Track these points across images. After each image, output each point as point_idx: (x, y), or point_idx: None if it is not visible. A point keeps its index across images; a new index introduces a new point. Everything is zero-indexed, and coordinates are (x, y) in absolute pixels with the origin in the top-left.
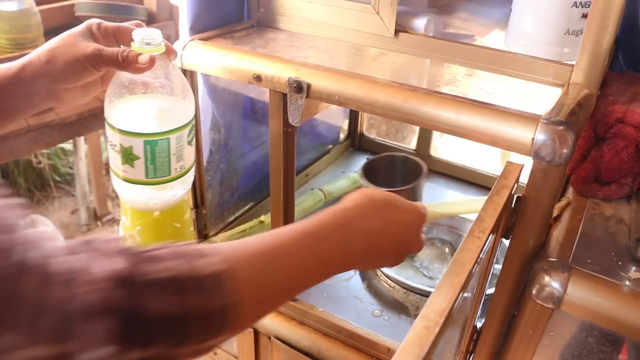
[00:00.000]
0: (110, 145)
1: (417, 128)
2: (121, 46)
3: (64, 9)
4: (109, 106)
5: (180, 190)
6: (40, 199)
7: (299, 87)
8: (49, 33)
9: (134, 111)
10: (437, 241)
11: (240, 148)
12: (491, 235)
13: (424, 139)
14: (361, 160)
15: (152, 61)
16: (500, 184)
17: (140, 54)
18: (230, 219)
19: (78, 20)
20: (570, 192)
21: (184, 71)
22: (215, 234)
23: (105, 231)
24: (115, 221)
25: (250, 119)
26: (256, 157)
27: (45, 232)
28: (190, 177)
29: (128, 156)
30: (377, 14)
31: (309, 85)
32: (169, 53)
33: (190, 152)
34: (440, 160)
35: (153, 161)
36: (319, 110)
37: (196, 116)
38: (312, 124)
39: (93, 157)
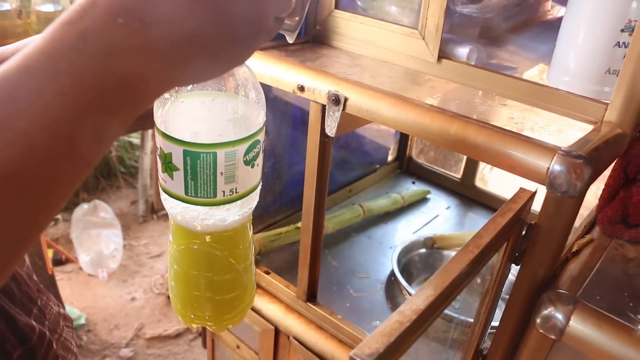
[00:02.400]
0: (156, 146)
1: (465, 158)
2: None
3: None
4: (158, 101)
5: (232, 214)
6: (105, 187)
7: (336, 99)
8: None
9: (180, 111)
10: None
11: (288, 157)
12: (494, 255)
13: (470, 169)
14: (406, 183)
15: None
16: (507, 207)
17: None
18: (269, 222)
19: None
20: (596, 231)
21: None
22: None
23: (159, 225)
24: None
25: (300, 131)
26: (303, 168)
27: (105, 218)
28: (249, 203)
29: (167, 164)
30: (423, 39)
31: (346, 99)
32: None
33: (248, 175)
34: (483, 192)
35: (194, 177)
36: (358, 125)
37: None
38: (361, 142)
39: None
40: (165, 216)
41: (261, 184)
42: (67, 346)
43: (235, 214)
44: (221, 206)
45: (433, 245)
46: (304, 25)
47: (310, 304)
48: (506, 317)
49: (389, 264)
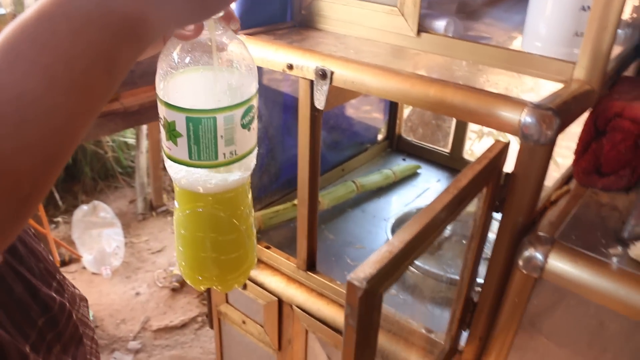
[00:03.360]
0: (159, 117)
1: (452, 133)
2: None
3: None
4: (158, 74)
5: (232, 175)
6: (103, 187)
7: (323, 74)
8: None
9: (180, 83)
10: (460, 237)
11: (282, 140)
12: (474, 199)
13: (458, 143)
14: (397, 160)
15: (197, 30)
16: (484, 156)
17: None
18: (267, 202)
19: None
20: (572, 183)
21: None
22: None
23: (158, 221)
24: (169, 212)
25: (292, 117)
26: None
27: (105, 217)
28: (248, 163)
29: (171, 132)
30: (402, 15)
31: (332, 73)
32: (228, 19)
33: (245, 137)
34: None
35: (197, 141)
36: (345, 99)
37: None
38: (351, 123)
39: (153, 151)
40: (165, 213)
41: (257, 148)
42: (84, 322)
43: (235, 175)
44: (222, 168)
45: None
46: (290, 10)
47: (310, 273)
48: (492, 264)
49: (384, 235)
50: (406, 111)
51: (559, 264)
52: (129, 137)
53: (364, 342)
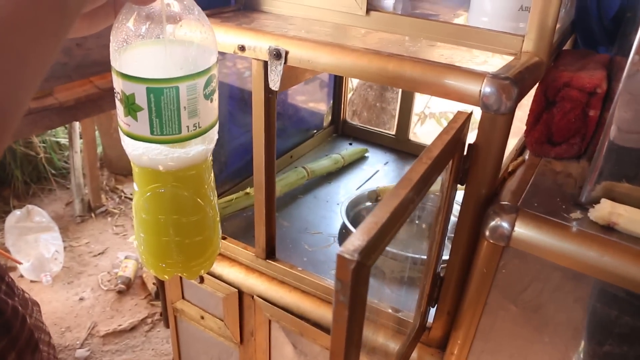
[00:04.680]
0: (115, 92)
1: (397, 115)
2: None
3: None
4: (113, 45)
5: (196, 148)
6: (36, 191)
7: (278, 54)
8: None
9: (139, 53)
10: (415, 219)
11: (229, 129)
12: (444, 173)
13: (403, 125)
14: (344, 145)
15: None
16: (449, 127)
17: None
18: (218, 192)
19: None
20: (526, 154)
21: None
22: None
23: (98, 222)
24: (108, 213)
25: (238, 107)
26: (243, 140)
27: (41, 222)
28: (210, 137)
29: (130, 106)
30: None
31: (286, 52)
32: None
33: (208, 108)
34: (418, 144)
35: (159, 114)
36: (298, 80)
37: None
38: (296, 109)
39: (88, 150)
40: (104, 213)
41: (218, 122)
42: (39, 326)
43: (197, 150)
44: (185, 143)
45: (377, 198)
46: None
47: (270, 261)
48: (457, 236)
49: (338, 219)
50: (349, 95)
51: (525, 231)
52: (61, 136)
53: (355, 318)
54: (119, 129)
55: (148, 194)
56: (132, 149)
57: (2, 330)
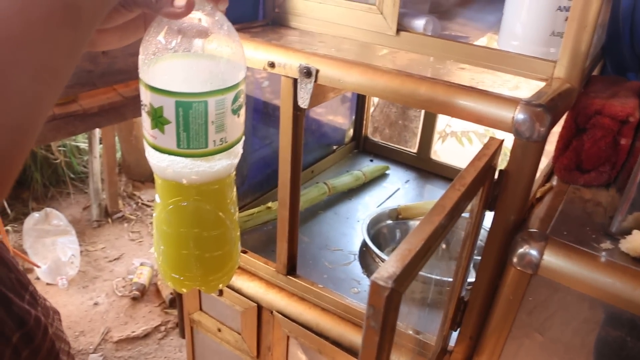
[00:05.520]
0: (142, 104)
1: (419, 133)
2: None
3: None
4: (142, 58)
5: (219, 164)
6: (55, 194)
7: (308, 72)
8: None
9: (168, 66)
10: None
11: (250, 143)
12: (474, 200)
13: (425, 143)
14: (365, 161)
15: (189, 6)
16: (482, 153)
17: None
18: (239, 205)
19: None
20: (554, 180)
21: None
22: None
23: (115, 228)
24: (125, 219)
25: (260, 120)
26: (265, 153)
27: (59, 225)
28: (236, 152)
29: (158, 119)
30: (381, 14)
31: (317, 71)
32: (217, 0)
33: (234, 124)
34: (440, 163)
35: (186, 128)
36: (326, 98)
37: None
38: (319, 124)
39: (107, 156)
40: (121, 219)
41: (244, 137)
42: (59, 336)
43: (222, 163)
44: (210, 157)
45: (398, 216)
46: (262, 8)
47: (290, 277)
48: (484, 262)
49: (358, 236)
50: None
51: (554, 260)
52: (80, 141)
53: (384, 344)
54: (144, 141)
55: (170, 206)
56: (157, 161)
57: (25, 340)
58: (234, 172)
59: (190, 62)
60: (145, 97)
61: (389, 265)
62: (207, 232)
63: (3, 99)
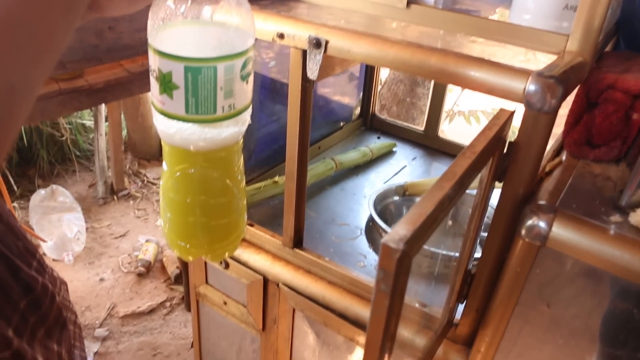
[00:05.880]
0: (150, 70)
1: (427, 110)
2: None
3: None
4: (151, 23)
5: (227, 130)
6: (61, 171)
7: (318, 43)
8: None
9: (177, 32)
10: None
11: (257, 118)
12: (483, 170)
13: (433, 121)
14: (372, 138)
15: None
16: (492, 123)
17: None
18: (246, 180)
19: None
20: (564, 154)
21: None
22: None
23: (120, 205)
24: (130, 196)
25: (267, 96)
26: (272, 129)
27: (65, 202)
28: (244, 119)
29: (166, 84)
30: None
31: (327, 42)
32: None
33: (243, 90)
34: (447, 141)
35: (195, 93)
36: (334, 71)
37: None
38: (326, 100)
39: (113, 134)
40: (127, 196)
41: (251, 104)
42: (66, 305)
43: (230, 131)
44: (218, 123)
45: (405, 193)
46: None
47: (297, 250)
48: (492, 234)
49: (364, 211)
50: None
51: (563, 232)
52: (86, 119)
53: (394, 309)
54: (152, 107)
55: (177, 173)
56: (165, 127)
57: (32, 306)
58: (242, 140)
59: (199, 28)
60: (154, 62)
61: (400, 228)
62: (213, 199)
63: None
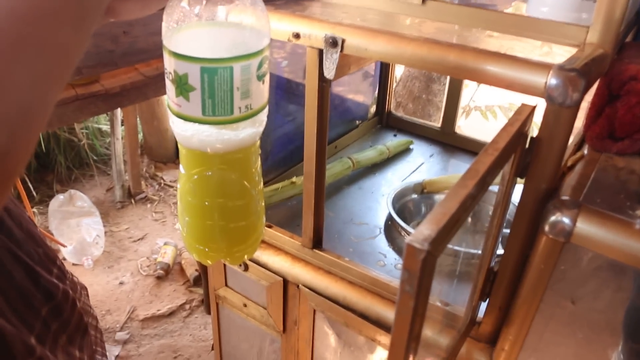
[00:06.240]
0: (166, 73)
1: (443, 107)
2: None
3: None
4: (166, 25)
5: (244, 132)
6: (78, 176)
7: (334, 42)
8: None
9: (193, 33)
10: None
11: (273, 119)
12: (505, 167)
13: (449, 118)
14: (388, 136)
15: None
16: (514, 119)
17: None
18: (263, 181)
19: None
20: (585, 148)
21: None
22: None
23: (138, 209)
24: (148, 200)
25: (283, 96)
26: (288, 129)
27: (83, 207)
28: (260, 119)
29: (182, 86)
30: None
31: (343, 40)
32: None
33: (259, 90)
34: (464, 137)
35: (212, 94)
36: (351, 69)
37: None
38: (342, 98)
39: (129, 137)
40: (144, 200)
41: (267, 105)
42: (87, 310)
43: (247, 131)
44: (235, 125)
45: (423, 190)
46: None
47: (316, 251)
48: (514, 231)
49: (383, 210)
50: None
51: (588, 227)
52: (102, 123)
53: (419, 309)
54: (168, 110)
55: (195, 176)
56: (182, 130)
57: (54, 313)
58: (259, 141)
59: (214, 29)
60: (170, 64)
61: (425, 227)
62: (231, 202)
63: (9, 76)
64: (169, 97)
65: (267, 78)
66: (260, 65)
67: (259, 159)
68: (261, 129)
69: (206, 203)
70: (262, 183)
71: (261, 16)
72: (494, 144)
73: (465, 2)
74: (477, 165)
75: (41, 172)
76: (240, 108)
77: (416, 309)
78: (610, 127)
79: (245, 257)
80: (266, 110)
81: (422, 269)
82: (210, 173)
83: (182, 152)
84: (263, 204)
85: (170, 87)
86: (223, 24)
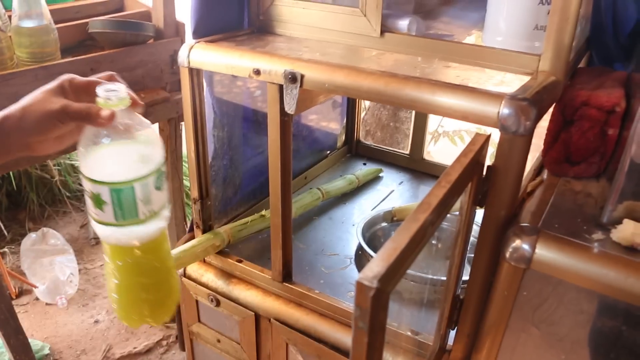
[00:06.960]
0: (85, 191)
1: (410, 134)
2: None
3: (78, 27)
4: (80, 155)
5: (151, 226)
6: (51, 213)
7: (293, 77)
8: (66, 50)
9: (100, 160)
10: (433, 239)
11: (242, 152)
12: (462, 195)
13: (417, 144)
14: (358, 165)
15: (112, 116)
16: (468, 149)
17: (102, 109)
18: (233, 215)
19: (92, 38)
20: (544, 173)
21: (191, 70)
22: (219, 227)
23: None
24: None
25: (251, 129)
26: (258, 162)
27: (56, 244)
28: (163, 215)
29: (98, 201)
30: (364, 16)
31: (302, 76)
32: (135, 105)
33: (159, 196)
34: (433, 163)
35: (120, 206)
36: (313, 103)
37: (200, 113)
38: (310, 129)
39: None
40: None
41: (169, 203)
42: None
43: (153, 227)
44: (142, 224)
45: (393, 218)
46: (247, 16)
47: (286, 284)
48: (477, 259)
49: (354, 240)
50: (362, 115)
51: (547, 253)
52: (75, 159)
53: (374, 344)
54: (89, 217)
55: (119, 262)
56: (101, 231)
57: None
58: (167, 230)
59: (117, 155)
60: (86, 185)
61: (374, 264)
62: (148, 279)
63: None
64: (89, 208)
65: (165, 185)
66: (157, 179)
67: (168, 241)
68: (165, 222)
69: (128, 282)
70: (172, 259)
71: (154, 139)
72: (446, 175)
73: (423, 33)
74: (429, 198)
75: (13, 210)
76: (144, 212)
77: (372, 344)
78: (567, 151)
79: (167, 317)
80: (168, 207)
81: (372, 305)
82: (129, 260)
83: (105, 246)
84: (176, 274)
85: (88, 201)
86: (124, 152)
